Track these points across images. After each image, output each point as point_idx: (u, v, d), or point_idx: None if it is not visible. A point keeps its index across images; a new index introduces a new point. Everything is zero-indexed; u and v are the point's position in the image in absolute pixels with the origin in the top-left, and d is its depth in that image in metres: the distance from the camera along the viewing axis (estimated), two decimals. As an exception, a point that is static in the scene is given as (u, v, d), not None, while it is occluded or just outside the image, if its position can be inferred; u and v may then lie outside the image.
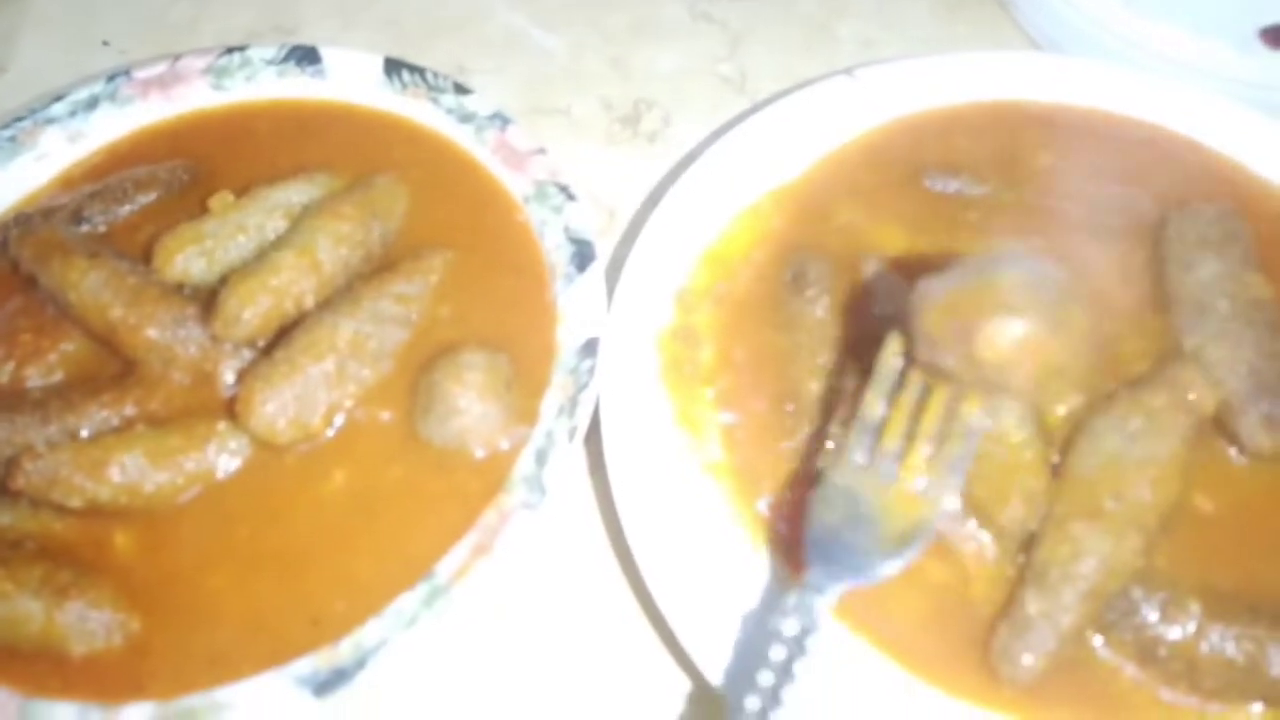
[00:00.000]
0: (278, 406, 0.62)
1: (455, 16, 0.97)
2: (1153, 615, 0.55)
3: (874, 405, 0.56)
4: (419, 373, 0.65)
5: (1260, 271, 0.66)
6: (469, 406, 0.62)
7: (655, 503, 0.61)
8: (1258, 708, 0.54)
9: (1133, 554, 0.53)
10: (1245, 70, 0.79)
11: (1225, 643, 0.54)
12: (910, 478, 0.54)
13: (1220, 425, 0.61)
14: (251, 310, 0.64)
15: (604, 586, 0.65)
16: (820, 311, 0.67)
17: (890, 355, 0.56)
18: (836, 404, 0.63)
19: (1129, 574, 0.54)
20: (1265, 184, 0.74)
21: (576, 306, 0.68)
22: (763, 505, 0.62)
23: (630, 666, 0.63)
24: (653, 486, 0.61)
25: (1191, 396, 0.57)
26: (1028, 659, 0.52)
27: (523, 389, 0.65)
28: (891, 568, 0.52)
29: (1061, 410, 0.61)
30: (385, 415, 0.65)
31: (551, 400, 0.64)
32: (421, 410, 0.64)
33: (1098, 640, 0.56)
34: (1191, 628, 0.54)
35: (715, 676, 0.55)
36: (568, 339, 0.66)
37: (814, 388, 0.64)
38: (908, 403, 0.55)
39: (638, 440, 0.63)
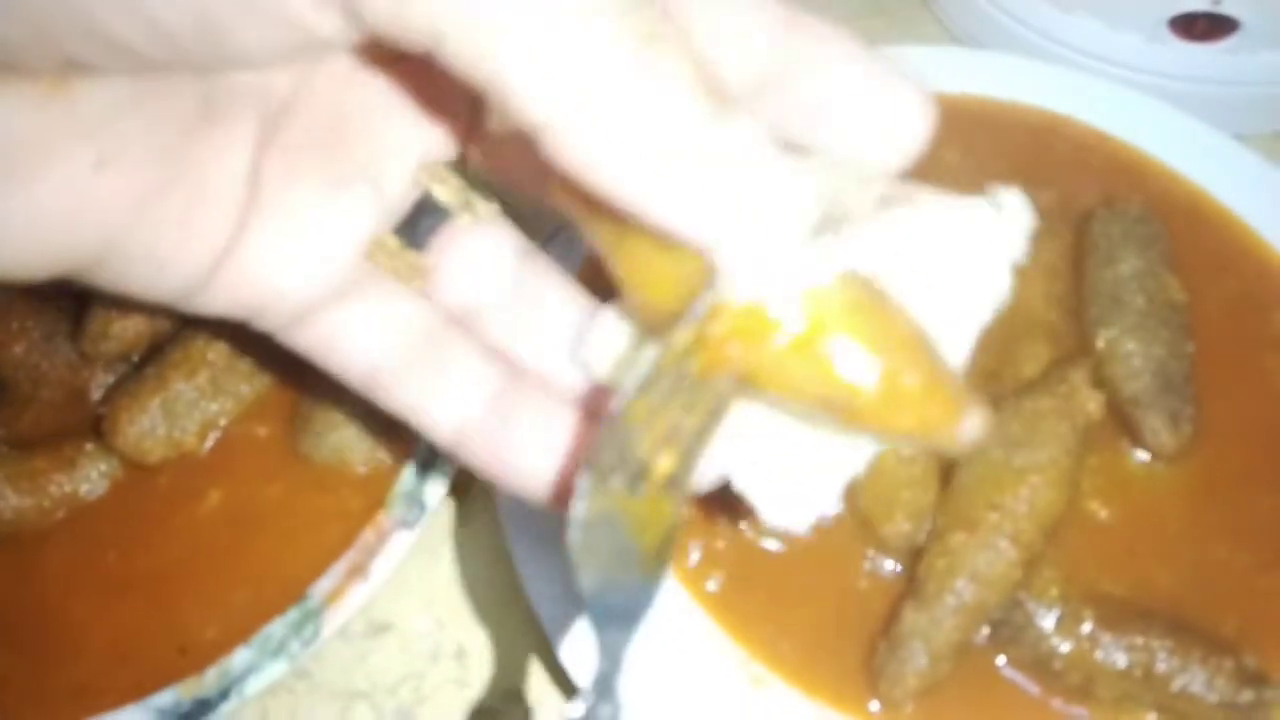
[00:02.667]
0: (146, 425, 0.59)
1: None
2: (1048, 627, 0.53)
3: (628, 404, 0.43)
4: (299, 387, 0.63)
5: (1176, 274, 0.65)
6: (347, 420, 0.60)
7: (541, 514, 0.58)
8: (1152, 717, 0.53)
9: (1010, 566, 0.51)
10: (1155, 61, 0.78)
11: (1118, 652, 0.52)
12: (658, 473, 0.41)
13: (1124, 423, 0.60)
14: (120, 324, 0.62)
15: (485, 606, 0.63)
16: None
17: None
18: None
19: (1009, 587, 0.52)
20: (1174, 175, 0.72)
21: (466, 314, 0.65)
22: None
23: (513, 686, 0.61)
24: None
25: (1076, 401, 0.55)
26: (901, 677, 0.51)
27: (409, 401, 0.63)
28: (650, 596, 0.39)
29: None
30: (263, 431, 0.62)
31: (437, 412, 0.62)
32: (300, 426, 0.61)
33: (1001, 659, 0.55)
34: (1085, 638, 0.53)
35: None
36: (456, 348, 0.64)
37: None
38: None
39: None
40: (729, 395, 0.39)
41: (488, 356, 0.40)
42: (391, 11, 0.28)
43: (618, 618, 0.37)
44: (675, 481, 0.39)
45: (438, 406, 0.40)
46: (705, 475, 0.38)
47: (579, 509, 0.37)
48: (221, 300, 0.38)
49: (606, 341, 0.39)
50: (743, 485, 0.40)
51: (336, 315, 0.39)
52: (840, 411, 0.35)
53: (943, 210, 0.36)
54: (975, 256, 0.37)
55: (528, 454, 0.39)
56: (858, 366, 0.33)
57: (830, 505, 0.44)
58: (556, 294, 0.40)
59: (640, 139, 0.30)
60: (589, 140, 0.30)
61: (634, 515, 0.39)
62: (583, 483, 0.36)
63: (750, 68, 0.35)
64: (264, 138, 0.37)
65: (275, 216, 0.37)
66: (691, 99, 0.29)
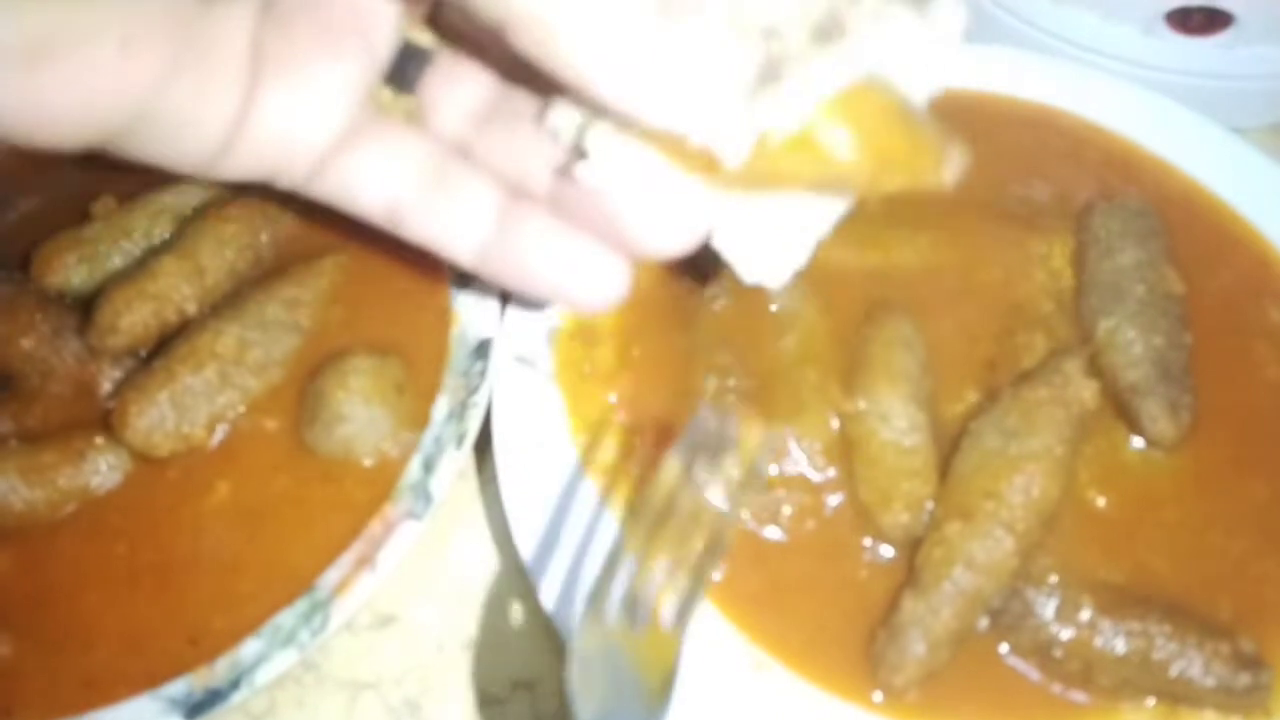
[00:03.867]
0: (154, 418, 0.60)
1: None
2: (1047, 615, 0.54)
3: (635, 539, 0.45)
4: (308, 379, 0.63)
5: (1175, 267, 0.66)
6: (354, 413, 0.60)
7: (546, 506, 0.59)
8: (1151, 702, 0.54)
9: (1007, 554, 0.52)
10: (1151, 54, 0.79)
11: (1116, 638, 0.53)
12: (659, 609, 0.43)
13: (1123, 411, 0.61)
14: (129, 318, 0.62)
15: (490, 595, 0.64)
16: (718, 309, 0.66)
17: (665, 479, 0.47)
18: (731, 405, 0.62)
19: (1006, 575, 0.53)
20: (1170, 168, 0.73)
21: (471, 307, 0.66)
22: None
23: (520, 677, 0.61)
24: (544, 489, 0.60)
25: (1071, 391, 0.56)
26: (900, 665, 0.51)
27: (415, 393, 0.63)
28: None
29: (958, 409, 0.60)
30: (271, 424, 0.63)
31: (442, 405, 0.63)
32: (307, 418, 0.62)
33: (1003, 647, 0.55)
34: (1084, 625, 0.53)
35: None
36: (461, 341, 0.65)
37: (710, 387, 0.63)
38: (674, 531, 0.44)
39: (529, 443, 0.61)
40: (727, 524, 0.43)
41: (489, 179, 0.46)
42: None
43: None
44: (679, 614, 0.42)
45: (456, 228, 0.46)
46: (687, 234, 0.44)
47: (578, 643, 0.39)
48: (245, 162, 0.43)
49: (569, 112, 0.43)
50: (721, 244, 0.45)
51: (349, 161, 0.45)
52: (840, 187, 0.42)
53: (880, 26, 0.41)
54: (915, 55, 0.43)
55: (541, 265, 0.45)
56: (851, 150, 0.39)
57: (802, 261, 0.46)
58: (531, 115, 0.45)
59: (596, 38, 0.35)
60: (552, 41, 0.35)
61: (636, 649, 0.41)
62: (582, 617, 0.38)
63: None
64: (262, 9, 0.42)
65: (280, 77, 0.42)
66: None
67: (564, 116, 0.43)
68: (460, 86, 0.47)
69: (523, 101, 0.46)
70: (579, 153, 0.42)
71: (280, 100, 0.43)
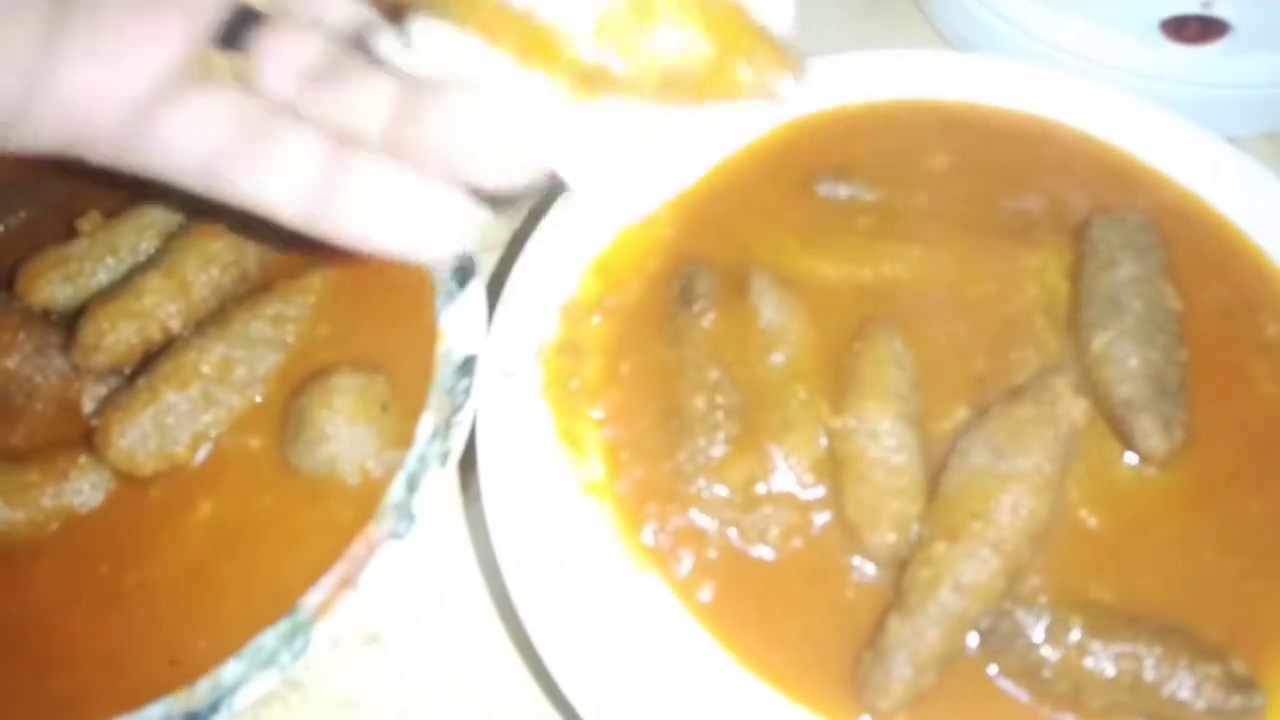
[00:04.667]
0: (137, 437, 0.60)
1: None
2: (1037, 637, 0.53)
3: None
4: (292, 397, 0.63)
5: (1172, 282, 0.65)
6: (337, 432, 0.60)
7: (532, 524, 0.59)
8: (1141, 725, 0.53)
9: (994, 575, 0.51)
10: (1146, 63, 0.78)
11: (1106, 660, 0.52)
12: None
13: (1116, 427, 0.60)
14: (112, 336, 0.62)
15: (475, 615, 0.64)
16: (707, 325, 0.65)
17: None
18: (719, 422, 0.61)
19: (993, 596, 0.52)
20: (1165, 179, 0.72)
21: (457, 324, 0.66)
22: (647, 531, 0.60)
23: (501, 700, 0.61)
24: (530, 507, 0.59)
25: (1060, 409, 0.55)
26: (886, 688, 0.51)
27: (400, 411, 0.63)
28: None
29: (948, 425, 0.60)
30: (255, 443, 0.62)
31: (427, 422, 0.62)
32: (291, 436, 0.61)
33: (993, 669, 0.55)
34: (1074, 646, 0.53)
35: (590, 711, 0.54)
36: (446, 358, 0.64)
37: (699, 404, 0.62)
38: None
39: (515, 460, 0.61)
40: None
41: (317, 132, 0.43)
42: None
43: None
44: None
45: (279, 182, 0.43)
46: (526, 160, 0.43)
47: None
48: (45, 130, 0.40)
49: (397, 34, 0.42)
50: (555, 156, 0.44)
51: (164, 127, 0.41)
52: (682, 87, 0.41)
53: None
54: None
55: (376, 210, 0.43)
56: (693, 32, 0.39)
57: (639, 176, 0.45)
58: (362, 73, 0.43)
59: None
60: None
61: None
62: None
63: None
64: None
65: (84, 36, 0.39)
66: None
67: (391, 40, 0.41)
68: (292, 44, 0.45)
69: (354, 58, 0.44)
70: (405, 44, 0.41)
71: (84, 68, 0.40)
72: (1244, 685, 0.52)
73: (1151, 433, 0.59)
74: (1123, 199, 0.71)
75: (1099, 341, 0.62)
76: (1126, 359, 0.61)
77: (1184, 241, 0.69)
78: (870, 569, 0.57)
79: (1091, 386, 0.61)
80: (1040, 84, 0.76)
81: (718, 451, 0.61)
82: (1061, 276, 0.67)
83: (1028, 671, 0.54)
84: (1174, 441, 0.59)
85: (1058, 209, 0.70)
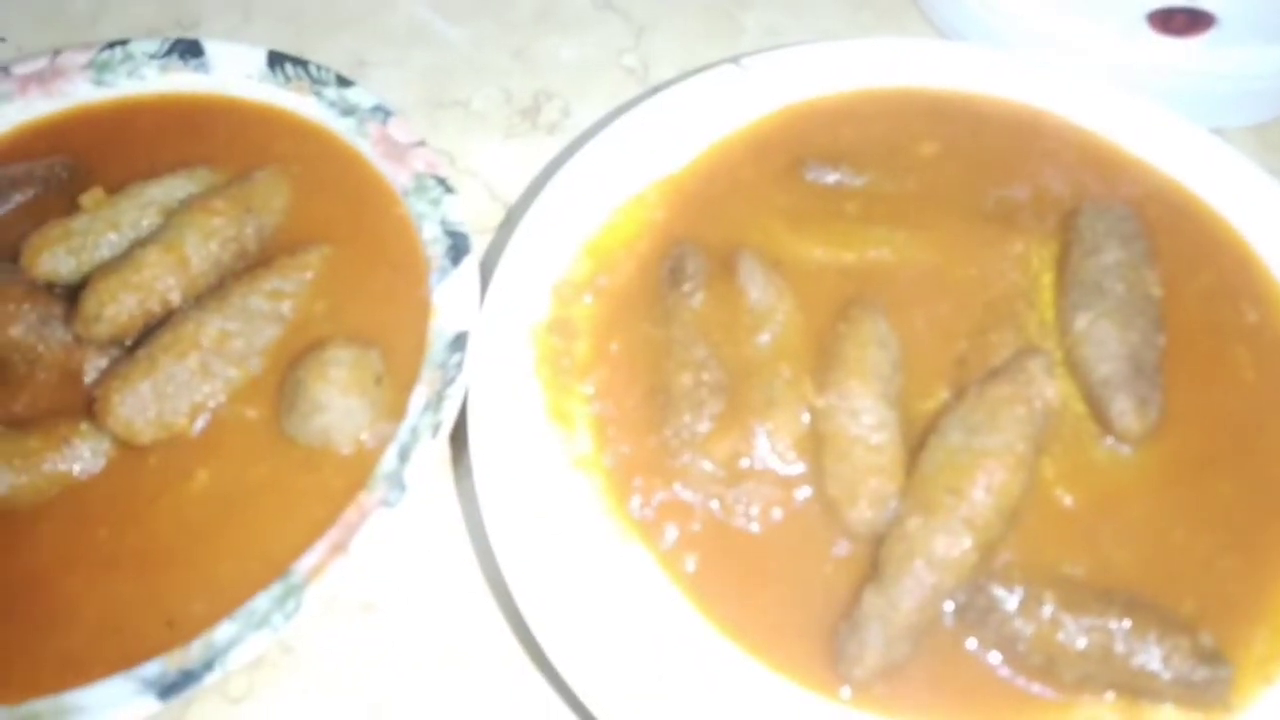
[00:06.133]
0: (136, 405, 0.61)
1: (357, 8, 0.96)
2: (1010, 610, 0.54)
3: None
4: (289, 369, 0.64)
5: (1154, 267, 0.66)
6: (331, 403, 0.61)
7: (521, 497, 0.60)
8: (1111, 696, 0.54)
9: (966, 550, 0.53)
10: (1133, 55, 0.79)
11: (1078, 634, 0.53)
12: None
13: (1093, 406, 0.61)
14: (113, 308, 0.63)
15: (466, 586, 0.65)
16: (696, 305, 0.66)
17: None
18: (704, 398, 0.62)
19: (966, 571, 0.53)
20: (1151, 169, 0.73)
21: (450, 300, 0.67)
22: (634, 503, 0.61)
23: (490, 669, 0.62)
24: (519, 481, 0.61)
25: (1035, 389, 0.56)
26: (860, 658, 0.52)
27: (393, 384, 0.64)
28: None
29: (929, 405, 0.61)
30: (252, 413, 0.64)
31: (419, 396, 0.63)
32: (286, 407, 0.63)
33: (971, 642, 0.56)
34: (1047, 620, 0.54)
35: (576, 679, 0.55)
36: (439, 333, 0.66)
37: (685, 381, 0.64)
38: None
39: (506, 435, 0.62)
40: None
41: None
42: None
43: None
44: None
45: None
46: None
47: None
48: None
49: None
50: None
51: None
52: None
53: None
54: None
55: None
56: None
57: None
58: None
59: None
60: None
61: None
62: None
63: None
64: None
65: None
66: None
67: None
68: None
69: None
70: None
71: None
72: (1211, 657, 0.53)
73: (1127, 411, 0.60)
74: (1109, 188, 0.72)
75: (1080, 322, 0.63)
76: (1106, 340, 0.62)
77: (1169, 230, 0.70)
78: (849, 544, 0.58)
79: (1072, 366, 0.63)
80: (1028, 74, 0.77)
81: (703, 428, 0.62)
82: (1045, 263, 0.68)
83: (1003, 644, 0.55)
84: (1148, 421, 0.60)
85: (1043, 197, 0.71)
